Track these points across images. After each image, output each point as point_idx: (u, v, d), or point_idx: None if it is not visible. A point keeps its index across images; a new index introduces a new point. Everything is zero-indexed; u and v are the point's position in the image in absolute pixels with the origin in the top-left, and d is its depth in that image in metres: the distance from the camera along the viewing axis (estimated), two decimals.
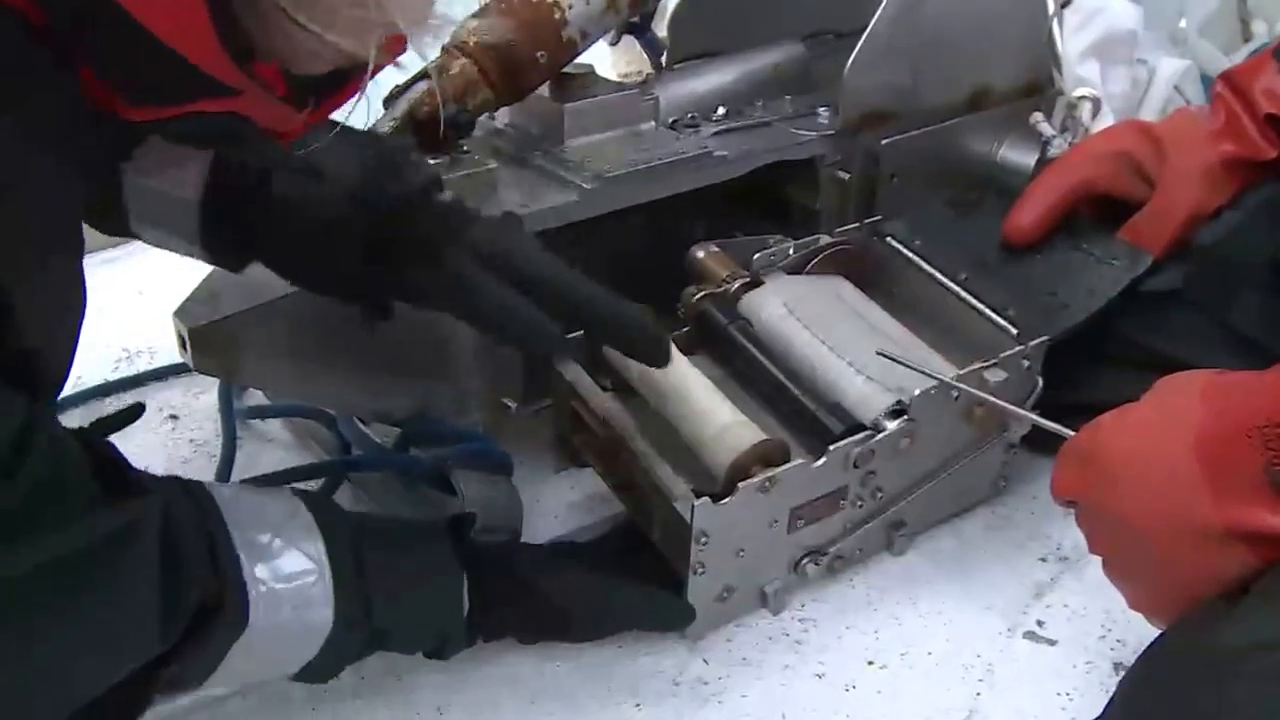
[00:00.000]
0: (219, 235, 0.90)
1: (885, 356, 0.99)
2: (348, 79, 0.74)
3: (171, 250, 0.93)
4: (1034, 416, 0.97)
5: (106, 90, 0.67)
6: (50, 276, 0.68)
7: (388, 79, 0.99)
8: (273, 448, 1.20)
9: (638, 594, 0.94)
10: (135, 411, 0.87)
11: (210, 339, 0.98)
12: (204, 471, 1.16)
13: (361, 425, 1.12)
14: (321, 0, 0.64)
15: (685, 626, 0.95)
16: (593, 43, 1.12)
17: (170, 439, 1.22)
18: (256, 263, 0.93)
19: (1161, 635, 0.79)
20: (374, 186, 0.88)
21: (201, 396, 1.27)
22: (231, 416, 1.20)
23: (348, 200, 0.88)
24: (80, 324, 0.74)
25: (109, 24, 0.59)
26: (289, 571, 0.77)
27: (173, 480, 0.76)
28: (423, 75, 1.04)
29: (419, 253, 0.87)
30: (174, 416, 1.26)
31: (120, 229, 0.92)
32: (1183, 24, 1.67)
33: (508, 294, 0.86)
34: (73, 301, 0.72)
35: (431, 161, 1.04)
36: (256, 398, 1.24)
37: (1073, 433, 0.86)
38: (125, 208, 0.89)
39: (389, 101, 1.04)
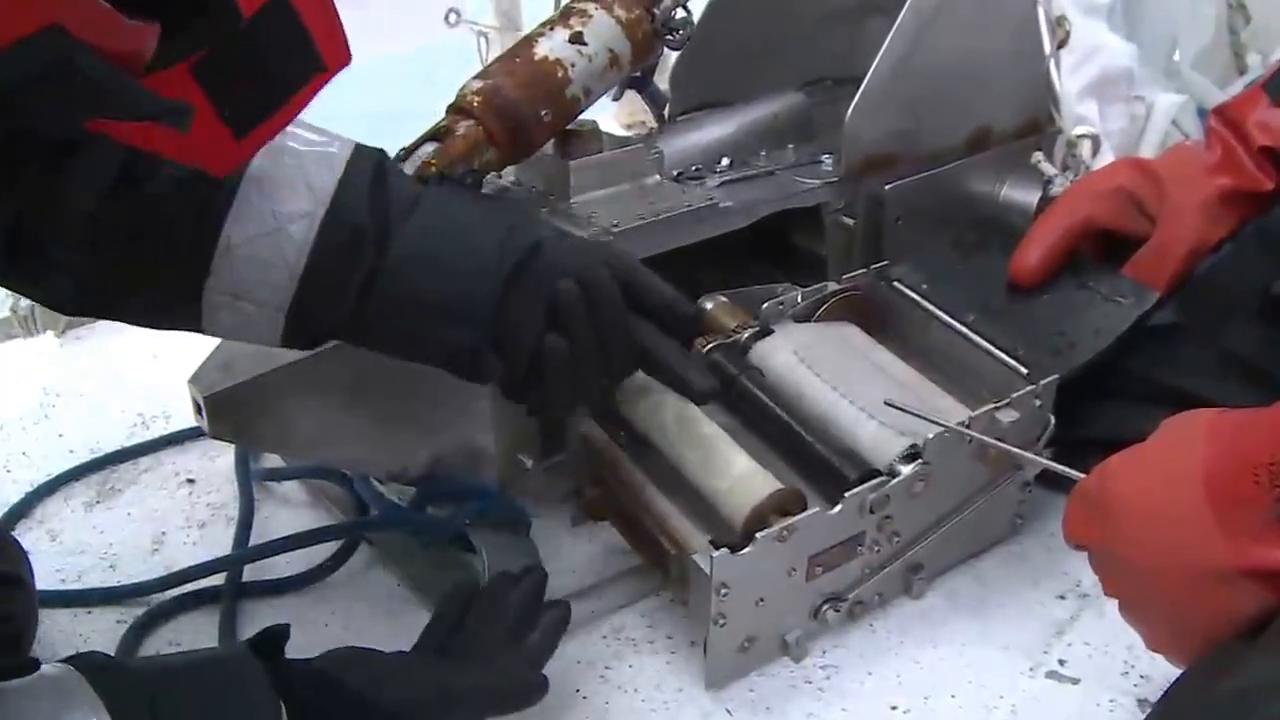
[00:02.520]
0: (307, 313, 0.87)
1: (893, 406, 1.00)
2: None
3: (233, 336, 0.91)
4: (1043, 460, 0.98)
5: None
6: None
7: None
8: (290, 509, 1.21)
9: (482, 677, 0.87)
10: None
11: (225, 405, 0.98)
12: (223, 534, 1.16)
13: (377, 485, 1.13)
14: None
15: (539, 699, 0.88)
16: (596, 99, 1.13)
17: (187, 503, 1.23)
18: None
19: (1181, 676, 0.79)
20: (500, 249, 0.88)
21: (218, 460, 1.27)
22: (248, 480, 1.21)
23: (479, 263, 0.87)
24: None
25: None
26: None
27: None
28: (429, 137, 1.05)
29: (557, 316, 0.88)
30: (191, 480, 1.26)
31: (182, 310, 0.88)
32: (1176, 57, 1.68)
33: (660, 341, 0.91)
34: None
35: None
36: (273, 460, 1.25)
37: (1082, 475, 0.86)
38: (211, 270, 0.85)
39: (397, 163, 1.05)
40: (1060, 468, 0.92)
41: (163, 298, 0.87)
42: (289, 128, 0.73)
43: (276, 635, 0.80)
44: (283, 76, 0.68)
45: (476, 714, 0.87)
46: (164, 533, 1.18)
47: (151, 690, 0.72)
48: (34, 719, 0.67)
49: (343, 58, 0.69)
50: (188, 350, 1.00)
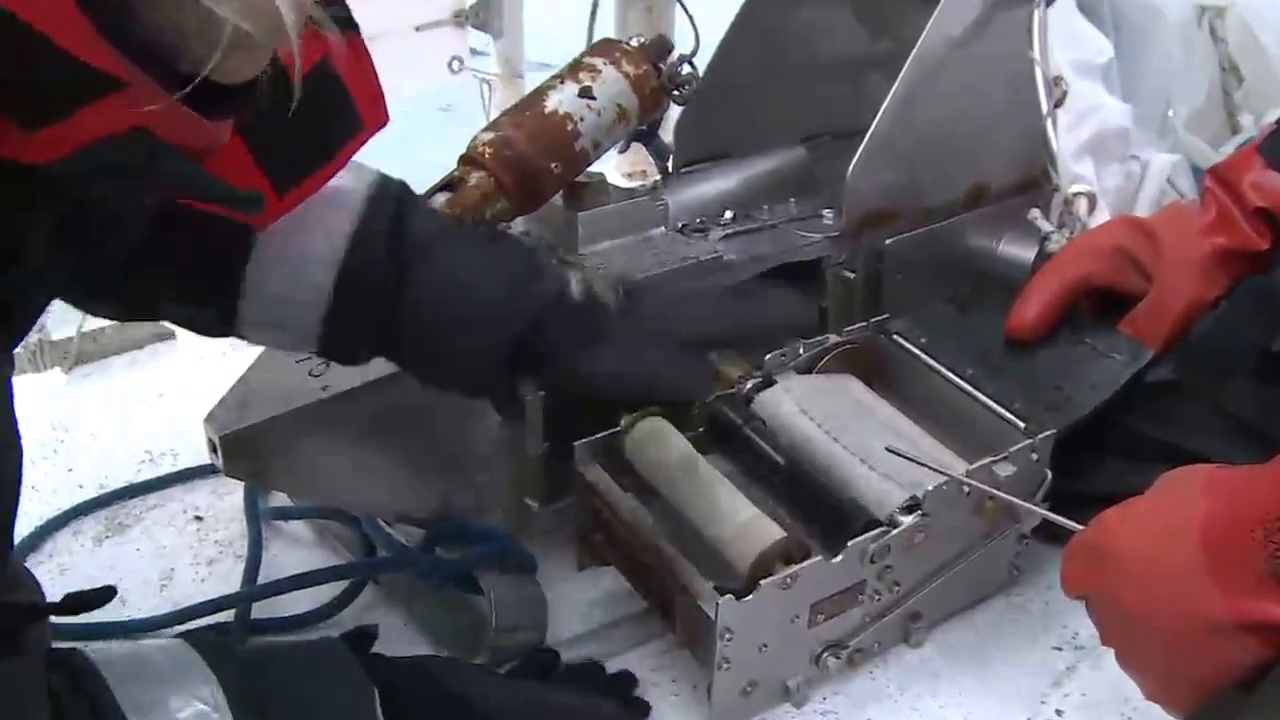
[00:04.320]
0: (344, 336, 0.90)
1: (895, 453, 1.02)
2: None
3: (280, 347, 0.95)
4: (1042, 510, 1.00)
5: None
6: None
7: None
8: (298, 548, 1.22)
9: (574, 698, 0.93)
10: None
11: (240, 445, 1.00)
12: (231, 572, 1.18)
13: (385, 526, 1.14)
14: None
15: None
16: (604, 152, 1.16)
17: (196, 540, 1.23)
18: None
19: None
20: (520, 292, 0.89)
21: (226, 497, 1.28)
22: (257, 518, 1.22)
23: (494, 305, 0.89)
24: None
25: None
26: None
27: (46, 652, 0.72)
28: (442, 187, 1.08)
29: (559, 354, 0.90)
30: (199, 518, 1.27)
31: (219, 328, 0.91)
32: (1170, 113, 1.71)
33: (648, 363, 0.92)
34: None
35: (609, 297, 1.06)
36: (281, 499, 1.26)
37: (1080, 526, 0.88)
38: (238, 308, 0.88)
39: None
40: (1059, 518, 0.94)
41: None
42: None
43: (367, 632, 0.85)
44: (325, 136, 0.71)
45: None
46: (172, 569, 1.19)
47: (256, 670, 0.76)
48: (152, 685, 0.71)
49: (381, 118, 0.72)
50: (195, 388, 1.01)
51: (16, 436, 0.72)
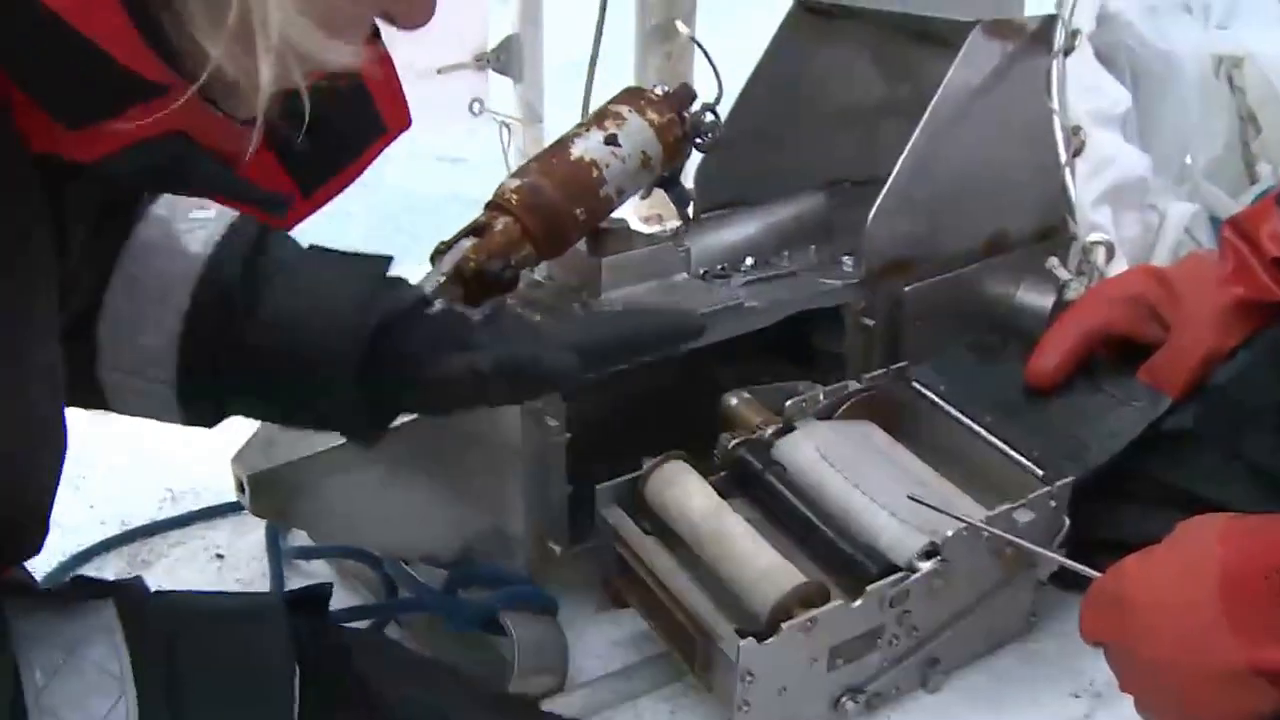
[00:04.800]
0: (195, 383, 0.86)
1: (916, 501, 1.02)
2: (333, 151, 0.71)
3: (141, 413, 0.91)
4: (1060, 558, 1.01)
5: (46, 130, 0.63)
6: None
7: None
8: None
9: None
10: None
11: (268, 485, 1.02)
12: None
13: (407, 567, 1.15)
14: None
15: None
16: (628, 199, 1.17)
17: (217, 578, 1.24)
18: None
19: None
20: (361, 306, 0.85)
21: (247, 536, 1.29)
22: (279, 558, 1.23)
23: (336, 321, 0.85)
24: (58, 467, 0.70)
25: (22, 19, 0.57)
26: (80, 695, 0.69)
27: None
28: (469, 232, 1.09)
29: (416, 365, 0.85)
30: (220, 556, 1.28)
31: (86, 398, 0.88)
32: (1188, 162, 1.72)
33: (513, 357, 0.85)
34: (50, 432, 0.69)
35: (473, 312, 1.05)
36: (302, 538, 1.27)
37: (1098, 574, 0.89)
38: (95, 357, 0.86)
39: (435, 258, 1.08)
40: (1076, 565, 0.95)
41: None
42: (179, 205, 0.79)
43: (318, 592, 0.82)
44: (348, 138, 0.73)
45: None
46: None
47: (173, 627, 0.74)
48: (57, 633, 0.70)
49: (404, 120, 0.74)
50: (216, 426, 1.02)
51: (63, 429, 0.72)
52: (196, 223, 0.86)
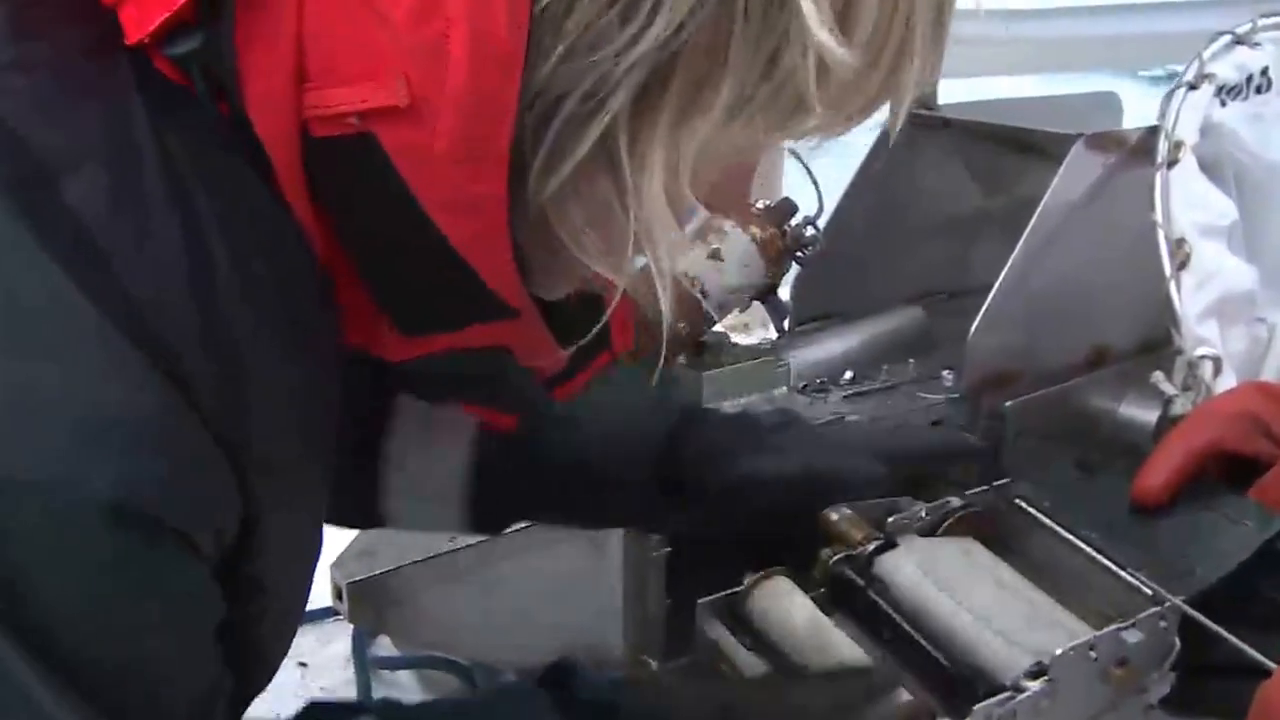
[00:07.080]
0: (487, 504, 0.89)
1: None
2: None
3: (427, 529, 0.93)
4: (1234, 640, 0.98)
5: (370, 328, 0.63)
6: (295, 515, 0.65)
7: None
8: (404, 698, 1.22)
9: None
10: None
11: (367, 593, 1.03)
12: None
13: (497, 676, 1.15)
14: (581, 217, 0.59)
15: None
16: (728, 313, 1.18)
17: (300, 687, 1.25)
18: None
19: None
20: (654, 408, 0.89)
21: (331, 644, 1.30)
22: (365, 667, 1.24)
23: (627, 434, 0.88)
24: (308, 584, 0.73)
25: (412, 245, 0.56)
26: None
27: None
28: None
29: (707, 466, 0.88)
30: (303, 664, 1.29)
31: (359, 519, 0.92)
32: None
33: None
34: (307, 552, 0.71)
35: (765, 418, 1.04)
36: (385, 646, 1.27)
37: (1275, 665, 0.86)
38: (379, 490, 0.88)
39: None
40: (1252, 652, 0.92)
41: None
42: None
43: (566, 667, 0.83)
44: (586, 348, 0.72)
45: None
46: (278, 714, 1.20)
47: None
48: None
49: (629, 344, 0.75)
50: None
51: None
52: None
